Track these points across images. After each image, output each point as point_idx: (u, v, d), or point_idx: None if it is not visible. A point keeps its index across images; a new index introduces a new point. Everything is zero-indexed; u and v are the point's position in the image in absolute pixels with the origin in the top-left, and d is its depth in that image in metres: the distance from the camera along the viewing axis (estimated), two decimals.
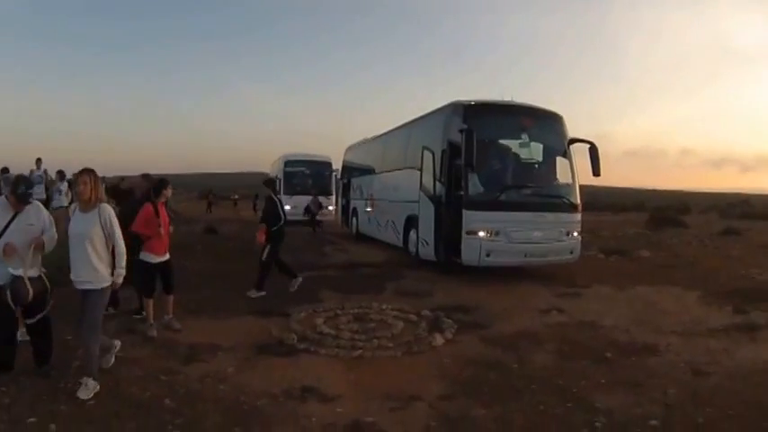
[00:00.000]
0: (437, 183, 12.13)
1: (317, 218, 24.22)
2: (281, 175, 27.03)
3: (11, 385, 5.00)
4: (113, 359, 5.67)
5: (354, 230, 20.76)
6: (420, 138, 13.77)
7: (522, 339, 7.12)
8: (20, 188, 5.15)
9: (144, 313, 7.42)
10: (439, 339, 6.95)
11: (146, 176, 8.25)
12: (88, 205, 5.07)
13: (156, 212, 7.17)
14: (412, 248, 13.67)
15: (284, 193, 25.98)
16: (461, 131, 10.81)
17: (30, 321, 5.29)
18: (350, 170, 22.57)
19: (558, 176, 12.26)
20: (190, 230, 20.27)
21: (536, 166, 12.23)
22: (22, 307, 5.13)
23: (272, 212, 9.74)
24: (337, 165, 25.55)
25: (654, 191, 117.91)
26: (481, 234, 10.84)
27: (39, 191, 14.61)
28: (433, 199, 12.22)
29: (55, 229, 5.41)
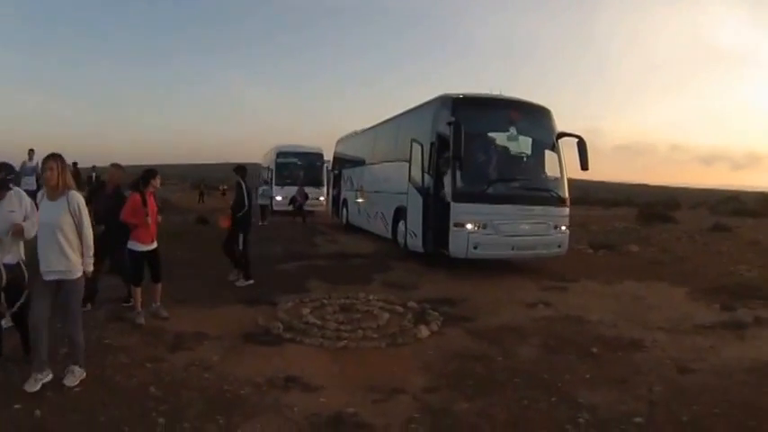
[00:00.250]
0: (425, 175, 12.13)
1: (306, 208, 24.18)
2: (272, 166, 27.15)
3: None
4: (77, 379, 5.08)
5: (345, 221, 20.81)
6: (409, 130, 13.77)
7: (507, 333, 7.13)
8: None
9: (132, 301, 7.42)
10: (424, 331, 6.95)
11: (116, 166, 8.17)
12: (56, 192, 4.91)
13: (144, 202, 7.15)
14: (400, 240, 13.68)
15: (276, 184, 26.04)
16: (450, 124, 10.84)
17: (11, 311, 5.27)
18: (341, 161, 22.61)
19: (546, 170, 12.27)
20: (182, 220, 20.24)
21: (524, 159, 12.22)
22: None
23: (239, 199, 9.75)
24: (329, 156, 25.58)
25: (644, 186, 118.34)
26: (469, 226, 10.85)
27: (30, 182, 14.52)
28: (422, 191, 12.22)
29: (37, 217, 5.33)
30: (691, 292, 9.69)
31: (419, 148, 12.58)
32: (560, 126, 12.41)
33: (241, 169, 10.11)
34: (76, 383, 4.89)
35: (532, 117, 12.19)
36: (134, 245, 7.19)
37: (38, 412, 4.36)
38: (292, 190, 24.50)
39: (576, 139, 12.16)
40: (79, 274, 4.99)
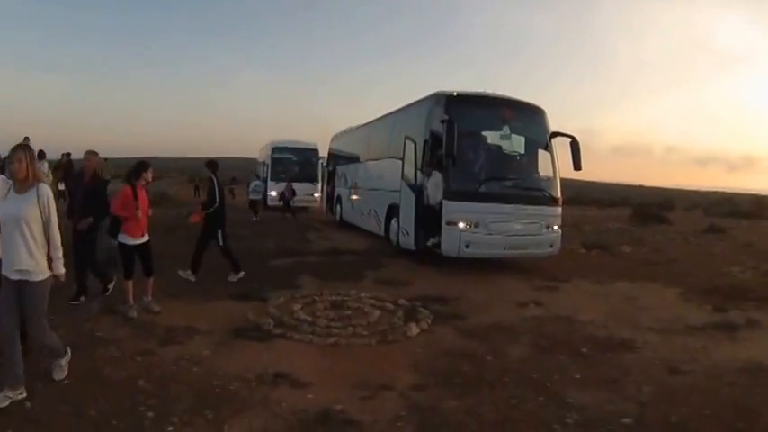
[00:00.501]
0: (418, 173, 12.15)
1: (298, 204, 24.21)
2: (268, 162, 27.21)
3: None
4: (65, 371, 5.04)
5: (338, 218, 20.83)
6: (403, 127, 13.80)
7: (497, 332, 7.12)
8: None
9: (108, 291, 7.50)
10: (414, 329, 6.94)
11: (91, 152, 7.96)
12: (24, 185, 4.56)
13: (135, 195, 7.12)
14: (393, 237, 13.70)
15: (271, 179, 26.09)
16: (443, 122, 10.84)
17: None
18: (335, 158, 22.65)
19: (539, 170, 12.29)
20: (177, 214, 20.23)
21: (517, 158, 12.21)
22: None
23: (210, 194, 9.68)
24: (324, 152, 25.58)
25: (639, 187, 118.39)
26: (461, 225, 10.84)
27: None
28: (415, 189, 12.24)
29: None
30: (683, 293, 9.68)
31: (412, 145, 12.60)
32: (555, 126, 12.42)
33: (212, 164, 10.00)
34: (65, 375, 4.88)
35: (526, 116, 12.20)
36: (124, 238, 7.17)
37: (28, 404, 4.38)
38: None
39: (570, 139, 12.19)
40: (43, 276, 4.59)
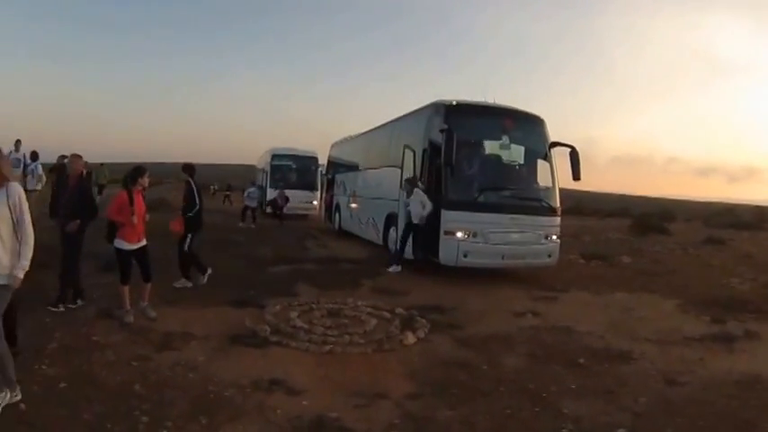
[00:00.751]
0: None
1: (292, 212, 24.42)
2: (267, 169, 27.22)
3: None
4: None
5: (337, 226, 20.75)
6: (402, 136, 13.81)
7: (494, 341, 7.11)
8: None
9: (60, 306, 7.31)
10: (411, 338, 6.94)
11: (76, 156, 7.87)
12: None
13: (131, 200, 7.10)
14: (392, 246, 13.60)
15: (270, 187, 26.08)
16: (442, 131, 10.87)
17: None
18: (335, 166, 22.65)
19: (538, 179, 12.27)
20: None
21: (516, 168, 12.20)
22: None
23: (189, 199, 9.57)
24: (323, 160, 25.57)
25: (640, 197, 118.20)
26: (459, 234, 10.83)
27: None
28: None
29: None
30: (681, 304, 9.62)
31: (411, 154, 12.60)
32: (554, 135, 12.37)
33: (189, 168, 9.87)
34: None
35: (525, 126, 12.17)
36: (120, 243, 7.15)
37: (23, 406, 4.38)
38: (287, 192, 24.46)
39: (569, 149, 12.17)
40: (5, 281, 4.31)
